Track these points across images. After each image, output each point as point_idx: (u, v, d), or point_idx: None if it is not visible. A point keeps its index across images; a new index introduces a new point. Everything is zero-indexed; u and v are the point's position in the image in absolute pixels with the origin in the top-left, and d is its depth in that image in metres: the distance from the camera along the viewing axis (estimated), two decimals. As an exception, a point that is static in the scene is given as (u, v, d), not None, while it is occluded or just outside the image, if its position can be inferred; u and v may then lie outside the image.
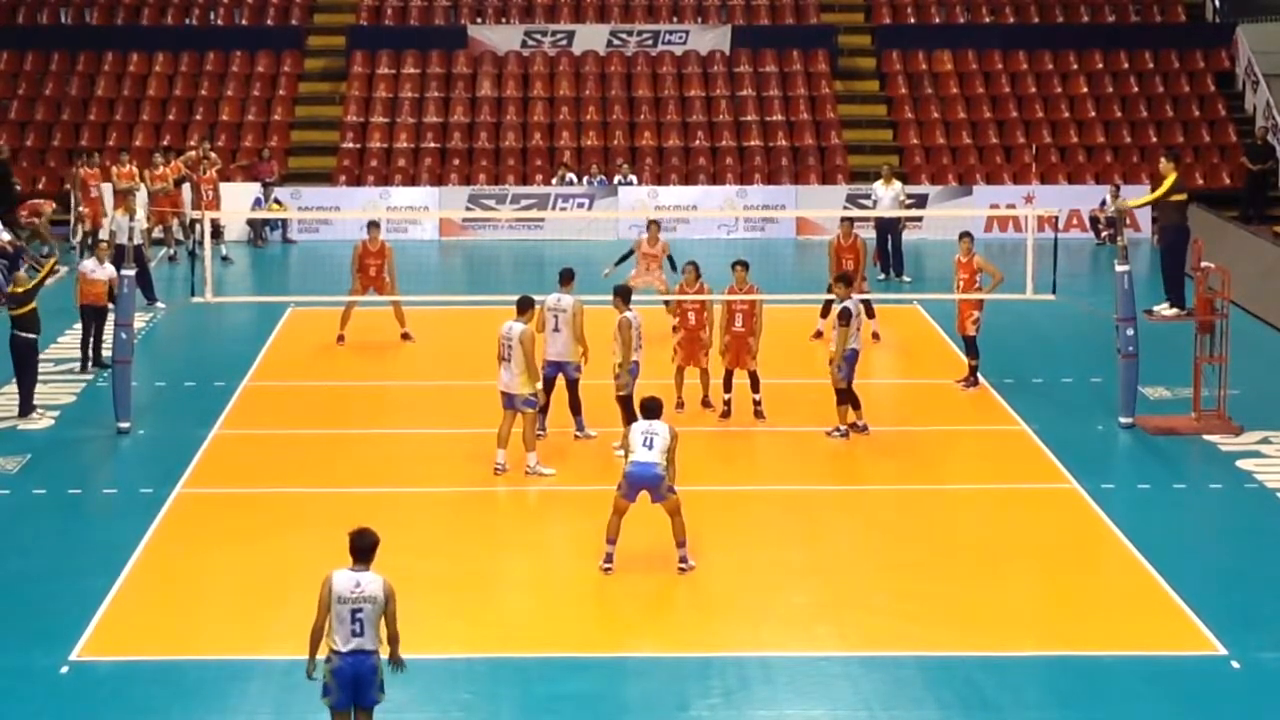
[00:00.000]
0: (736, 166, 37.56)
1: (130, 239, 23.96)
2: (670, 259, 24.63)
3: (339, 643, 11.44)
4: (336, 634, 11.45)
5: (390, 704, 11.90)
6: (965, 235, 22.26)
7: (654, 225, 25.01)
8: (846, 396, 20.03)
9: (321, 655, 11.53)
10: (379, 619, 11.49)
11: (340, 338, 24.64)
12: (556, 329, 19.37)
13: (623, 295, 19.56)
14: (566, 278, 19.77)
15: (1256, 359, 23.57)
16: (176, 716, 12.86)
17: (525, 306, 18.59)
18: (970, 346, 22.15)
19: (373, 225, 24.96)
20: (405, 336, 24.90)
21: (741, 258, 21.12)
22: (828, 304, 24.31)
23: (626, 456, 15.60)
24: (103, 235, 29.99)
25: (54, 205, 33.10)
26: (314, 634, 11.54)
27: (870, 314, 24.67)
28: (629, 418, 18.52)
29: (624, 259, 24.88)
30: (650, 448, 15.42)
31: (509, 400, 18.39)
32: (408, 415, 21.35)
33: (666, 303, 24.64)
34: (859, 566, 16.14)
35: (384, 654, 11.58)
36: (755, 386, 20.68)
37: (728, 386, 20.72)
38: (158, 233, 32.27)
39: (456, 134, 38.30)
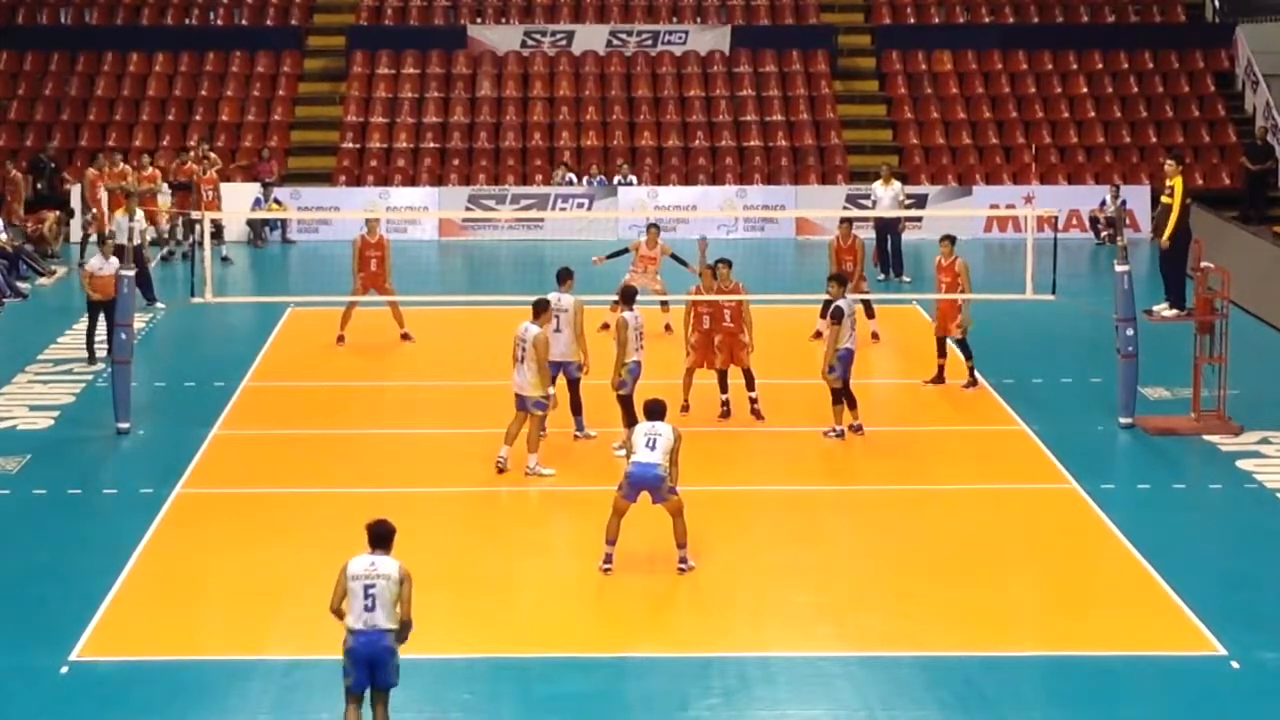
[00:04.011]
0: (736, 166, 37.57)
1: (130, 239, 23.98)
2: (675, 256, 24.58)
3: (353, 620, 11.71)
4: (351, 612, 11.73)
5: (390, 704, 11.92)
6: (946, 238, 22.46)
7: (654, 229, 25.01)
8: (842, 396, 20.03)
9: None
10: (394, 599, 11.77)
11: (340, 338, 24.64)
12: (558, 329, 19.35)
13: (626, 296, 19.58)
14: (564, 277, 19.77)
15: (1256, 359, 23.57)
16: (176, 716, 12.85)
17: (541, 309, 18.59)
18: (962, 347, 22.16)
19: (371, 219, 25.23)
20: (405, 337, 24.90)
21: (724, 256, 21.12)
22: (827, 304, 24.31)
23: (628, 457, 15.59)
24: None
25: (57, 213, 33.24)
26: (332, 613, 11.93)
27: (870, 314, 24.71)
28: (630, 418, 18.52)
29: (618, 253, 25.00)
30: (653, 448, 15.40)
31: (521, 401, 18.40)
32: (407, 415, 21.34)
33: (664, 303, 24.71)
34: (859, 566, 16.14)
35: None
36: (750, 384, 20.67)
37: (724, 386, 20.70)
38: (152, 233, 32.24)
39: (456, 134, 38.31)
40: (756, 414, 20.66)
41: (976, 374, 22.21)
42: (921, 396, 22.27)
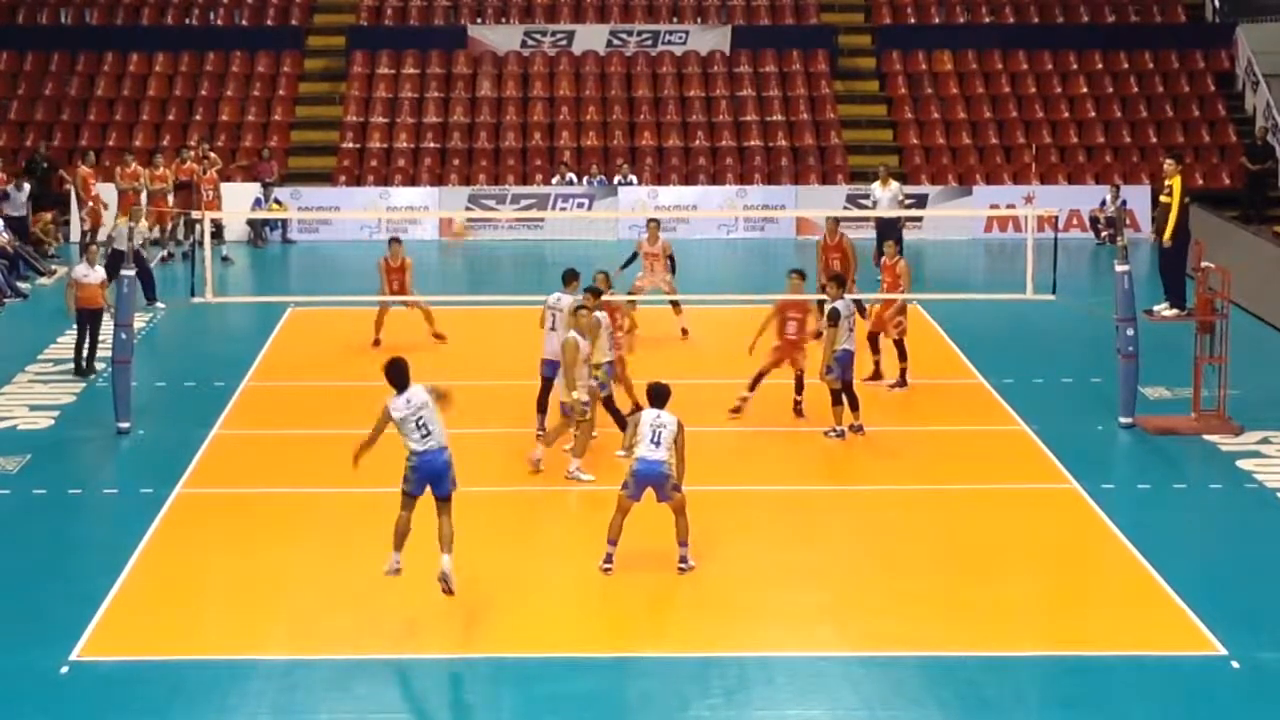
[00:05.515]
0: (736, 166, 37.57)
1: (131, 240, 23.96)
2: (671, 258, 24.58)
3: (415, 445, 14.09)
4: (410, 440, 14.07)
5: (389, 705, 11.92)
6: (890, 239, 22.71)
7: (653, 224, 25.00)
8: (841, 397, 20.04)
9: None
10: (438, 415, 14.07)
11: (376, 341, 24.26)
12: (553, 328, 19.32)
13: (593, 294, 19.35)
14: (570, 278, 19.67)
15: (1256, 359, 23.57)
16: (176, 716, 12.85)
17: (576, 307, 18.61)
18: (899, 347, 22.16)
19: (394, 241, 24.68)
20: (437, 336, 24.56)
21: (797, 267, 21.37)
22: (821, 304, 24.32)
23: (631, 451, 15.53)
24: (100, 237, 30.07)
25: (54, 212, 33.28)
26: (365, 442, 14.44)
27: (863, 314, 24.66)
28: (619, 421, 18.52)
29: (630, 261, 24.83)
30: (658, 444, 15.33)
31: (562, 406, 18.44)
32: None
33: (674, 304, 24.67)
34: (859, 566, 16.13)
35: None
36: (800, 388, 20.71)
37: (754, 385, 20.62)
38: (154, 233, 32.25)
39: (456, 134, 38.31)
40: (799, 413, 20.73)
41: (907, 376, 22.18)
42: (921, 397, 22.25)
